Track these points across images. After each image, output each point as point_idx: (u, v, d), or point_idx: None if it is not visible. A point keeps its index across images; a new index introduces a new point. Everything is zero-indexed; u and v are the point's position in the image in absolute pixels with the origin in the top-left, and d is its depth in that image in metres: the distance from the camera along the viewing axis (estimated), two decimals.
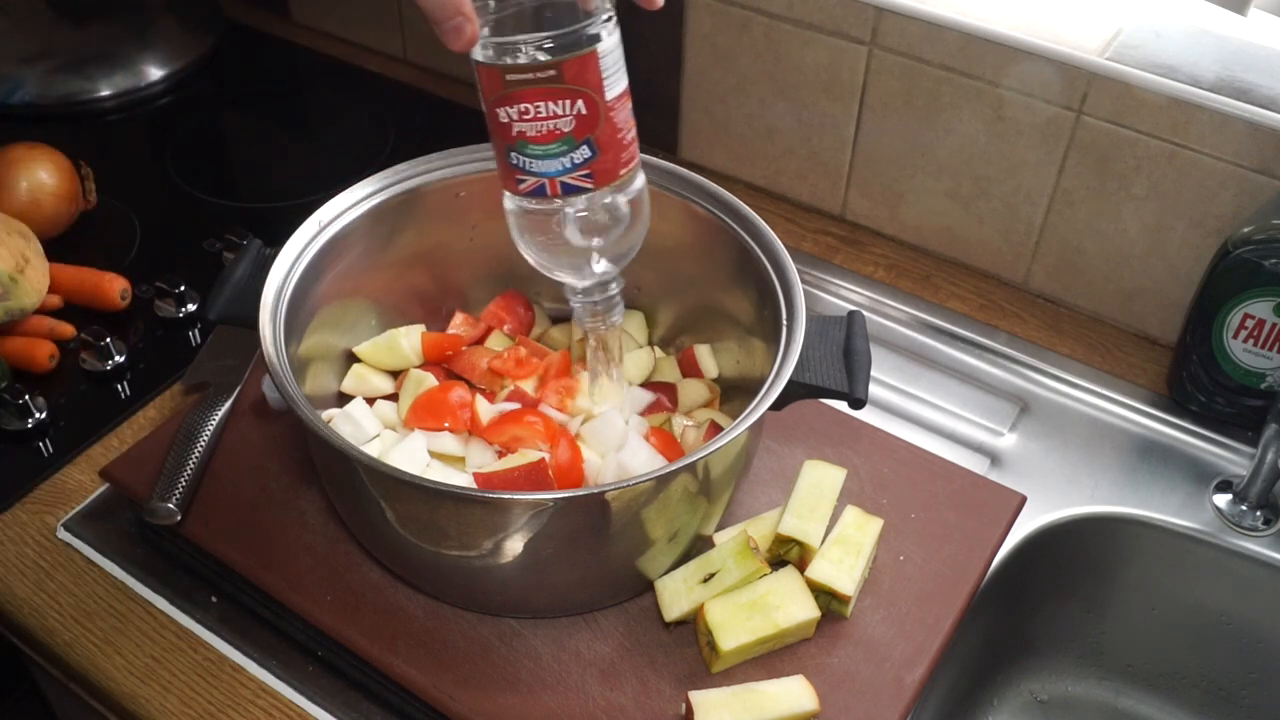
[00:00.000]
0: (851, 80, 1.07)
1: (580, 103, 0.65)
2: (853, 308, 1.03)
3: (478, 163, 0.87)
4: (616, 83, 0.67)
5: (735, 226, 0.84)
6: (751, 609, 0.75)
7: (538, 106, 0.65)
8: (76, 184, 1.13)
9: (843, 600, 0.77)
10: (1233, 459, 0.94)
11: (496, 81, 0.65)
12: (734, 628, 0.74)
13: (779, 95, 1.12)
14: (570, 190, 0.68)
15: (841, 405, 0.80)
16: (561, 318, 0.96)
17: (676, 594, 0.77)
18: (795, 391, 0.74)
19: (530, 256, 0.73)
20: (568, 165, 0.67)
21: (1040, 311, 1.08)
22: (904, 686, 0.75)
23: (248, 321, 0.75)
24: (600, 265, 0.73)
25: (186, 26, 1.43)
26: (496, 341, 0.92)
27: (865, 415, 0.93)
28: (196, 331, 1.04)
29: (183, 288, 1.05)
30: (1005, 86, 0.99)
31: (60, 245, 1.09)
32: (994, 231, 1.08)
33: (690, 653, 0.77)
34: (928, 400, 0.99)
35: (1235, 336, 0.91)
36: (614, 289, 0.75)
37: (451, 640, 0.77)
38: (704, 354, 0.91)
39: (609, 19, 0.65)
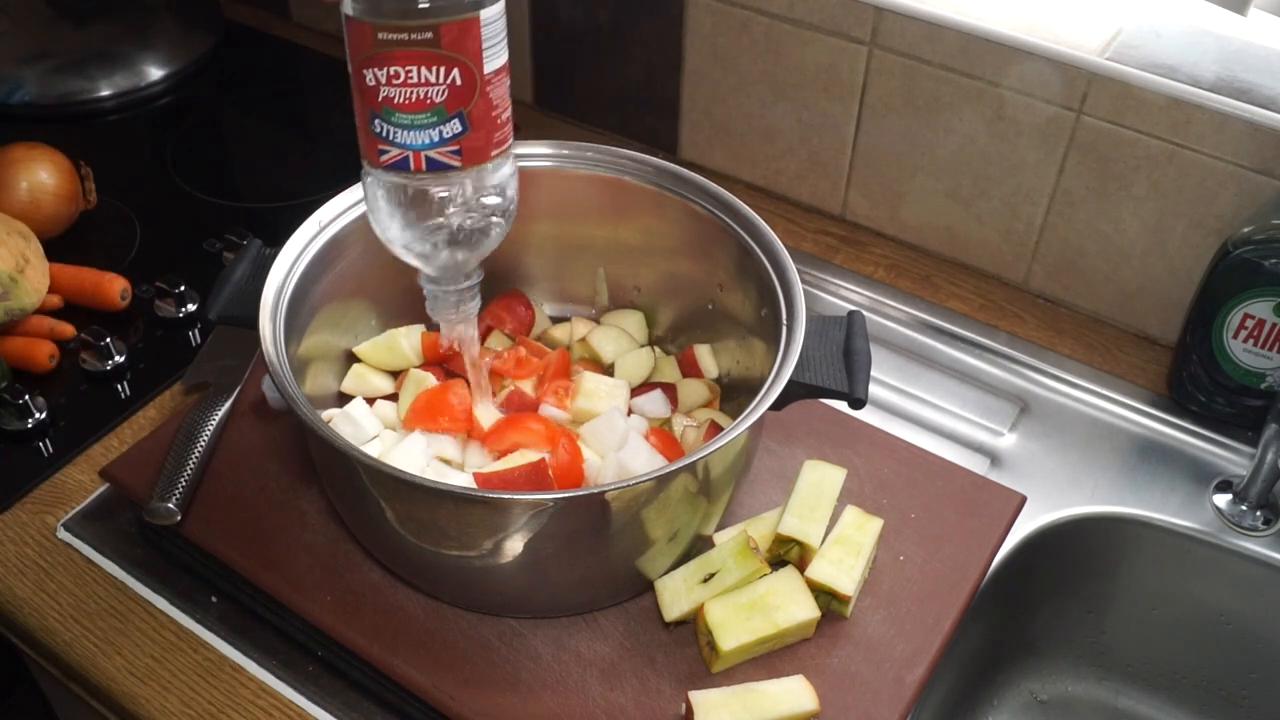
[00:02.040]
0: (851, 80, 1.07)
1: (456, 72, 0.60)
2: (853, 308, 1.03)
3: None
4: (497, 55, 0.62)
5: (735, 226, 0.84)
6: (751, 609, 0.75)
7: (409, 71, 0.60)
8: (76, 184, 1.13)
9: (843, 600, 0.77)
10: (1233, 459, 0.94)
11: (366, 39, 0.60)
12: (734, 628, 0.74)
13: (779, 95, 1.12)
14: (436, 166, 0.63)
15: (841, 405, 0.80)
16: (561, 318, 0.96)
17: (676, 594, 0.77)
18: (795, 391, 0.74)
19: (382, 235, 0.68)
20: (435, 139, 0.62)
21: (1040, 311, 1.08)
22: (904, 686, 0.75)
23: (248, 321, 0.75)
24: (459, 254, 0.68)
25: (186, 26, 1.43)
26: (496, 341, 0.92)
27: (865, 415, 0.93)
28: (196, 331, 1.04)
29: (183, 288, 1.05)
30: (1005, 86, 0.99)
31: (60, 245, 1.09)
32: (994, 231, 1.08)
33: (690, 653, 0.77)
34: (928, 400, 0.99)
35: (1235, 336, 0.91)
36: (471, 280, 0.71)
37: (451, 640, 0.77)
38: (704, 354, 0.91)
39: None
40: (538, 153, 0.89)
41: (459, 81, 0.61)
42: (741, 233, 0.83)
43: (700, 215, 0.86)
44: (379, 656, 0.76)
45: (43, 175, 1.09)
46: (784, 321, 0.77)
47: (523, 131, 1.28)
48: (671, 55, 1.17)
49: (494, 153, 0.65)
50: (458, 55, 0.60)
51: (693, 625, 0.78)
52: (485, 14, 0.60)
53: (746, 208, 0.84)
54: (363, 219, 0.84)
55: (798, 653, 0.77)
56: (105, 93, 1.33)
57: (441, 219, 0.66)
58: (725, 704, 0.72)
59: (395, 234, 0.67)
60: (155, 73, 1.36)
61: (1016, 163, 1.02)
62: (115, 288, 1.04)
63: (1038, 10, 0.99)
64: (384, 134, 0.63)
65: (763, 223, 0.83)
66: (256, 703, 0.77)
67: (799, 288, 0.78)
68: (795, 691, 0.73)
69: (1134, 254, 1.01)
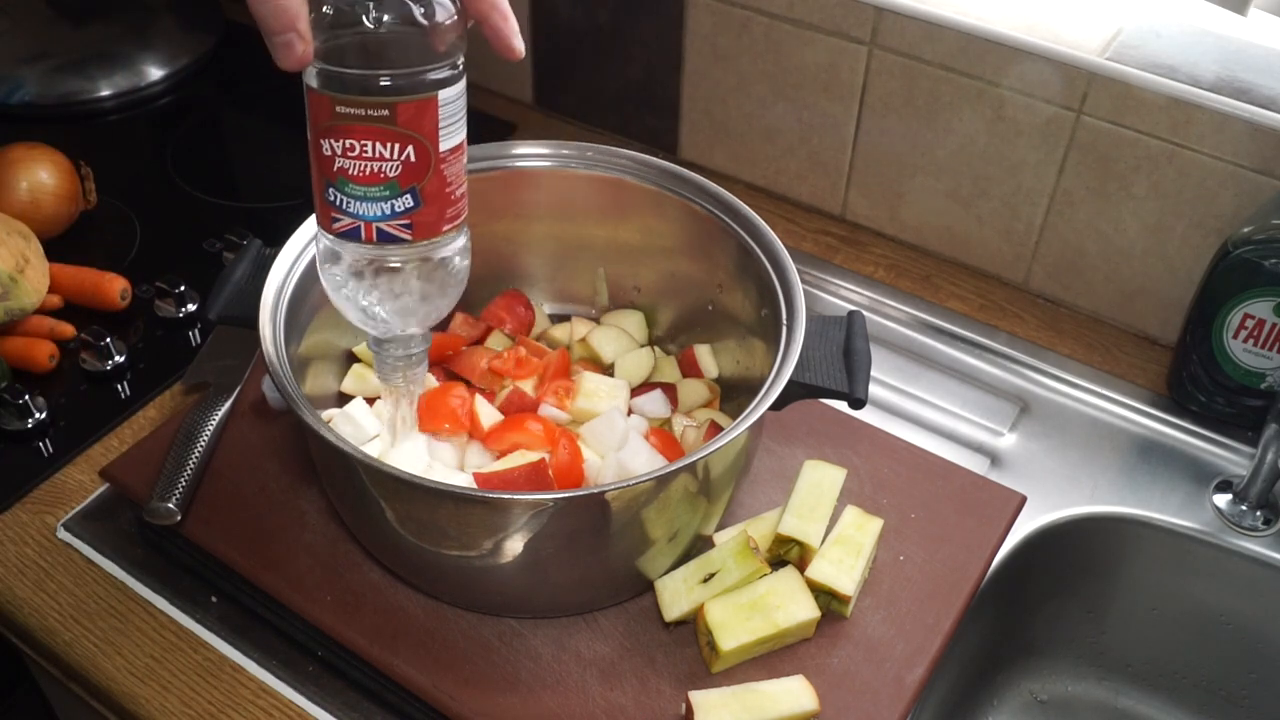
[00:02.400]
0: (851, 80, 1.07)
1: (411, 149, 0.61)
2: (853, 308, 1.03)
3: (477, 163, 0.87)
4: (453, 135, 0.63)
5: (735, 226, 0.84)
6: (751, 609, 0.75)
7: (364, 145, 0.61)
8: (76, 184, 1.13)
9: (843, 600, 0.77)
10: (1233, 459, 0.94)
11: (325, 110, 0.61)
12: (734, 628, 0.74)
13: (779, 95, 1.12)
14: (386, 239, 0.64)
15: (841, 405, 0.80)
16: (561, 317, 0.96)
17: (676, 594, 0.77)
18: (795, 391, 0.74)
19: (332, 295, 0.69)
20: (387, 212, 0.63)
21: (1040, 311, 1.08)
22: (904, 686, 0.75)
23: (248, 321, 0.75)
24: (406, 321, 0.69)
25: (186, 26, 1.43)
26: (496, 341, 0.92)
27: (865, 415, 0.93)
28: (196, 331, 1.04)
29: (183, 288, 1.05)
30: (1005, 86, 0.99)
31: (60, 245, 1.09)
32: (994, 231, 1.08)
33: (690, 653, 0.77)
34: (928, 400, 0.99)
35: (1235, 336, 0.91)
36: (417, 347, 0.71)
37: (451, 640, 0.77)
38: (704, 354, 0.91)
39: (457, 67, 0.62)
40: (538, 153, 0.89)
41: (413, 158, 0.62)
42: (741, 233, 0.83)
43: (700, 215, 0.86)
44: (379, 656, 0.76)
45: (43, 175, 1.09)
46: (784, 321, 0.77)
47: (523, 131, 1.28)
48: (671, 55, 1.17)
49: (445, 228, 0.66)
50: (413, 133, 0.61)
51: (693, 625, 0.78)
52: (443, 95, 0.61)
53: (746, 208, 0.84)
54: None
55: (798, 653, 0.77)
56: (105, 93, 1.33)
57: (389, 287, 0.66)
58: (725, 704, 0.72)
59: (344, 297, 0.68)
60: (155, 73, 1.36)
61: (1016, 163, 1.02)
62: (115, 288, 1.04)
63: (1038, 10, 0.99)
64: (337, 203, 0.63)
65: (763, 223, 0.83)
66: (256, 703, 0.77)
67: (799, 288, 0.78)
68: (795, 691, 0.73)
69: (1134, 254, 1.01)
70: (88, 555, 0.85)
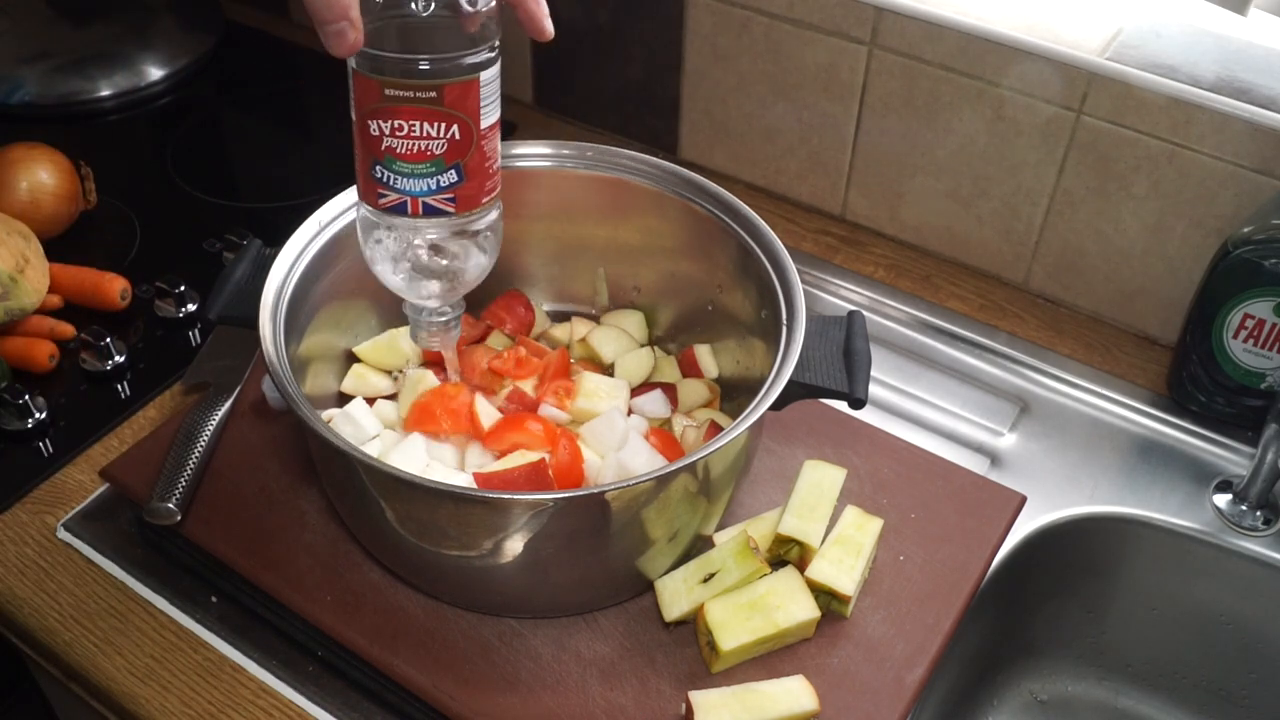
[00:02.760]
0: (851, 80, 1.07)
1: (455, 127, 0.65)
2: (853, 308, 1.03)
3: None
4: (492, 112, 0.67)
5: (735, 226, 0.84)
6: (751, 609, 0.75)
7: (413, 125, 0.64)
8: (76, 184, 1.13)
9: (843, 600, 0.77)
10: (1233, 459, 0.94)
11: (373, 93, 0.64)
12: (734, 628, 0.74)
13: (779, 95, 1.12)
14: (431, 212, 0.68)
15: (841, 405, 0.80)
16: (562, 317, 0.96)
17: (676, 594, 0.77)
18: (795, 391, 0.74)
19: (372, 265, 0.72)
20: (433, 187, 0.67)
21: (1040, 311, 1.08)
22: (904, 686, 0.75)
23: (248, 321, 0.75)
24: (443, 287, 0.72)
25: (186, 26, 1.43)
26: (496, 341, 0.92)
27: (865, 415, 0.93)
28: (196, 331, 1.04)
29: (183, 288, 1.05)
30: (1005, 86, 0.99)
31: (60, 245, 1.09)
32: (994, 231, 1.08)
33: (690, 653, 0.77)
34: (928, 400, 0.99)
35: (1235, 336, 0.91)
36: (454, 311, 0.75)
37: (451, 640, 0.77)
38: (704, 354, 0.91)
39: (494, 49, 0.65)
40: (538, 153, 0.89)
41: (458, 136, 0.65)
42: (741, 233, 0.83)
43: (700, 215, 0.86)
44: (379, 656, 0.76)
45: (43, 175, 1.09)
46: (784, 321, 0.77)
47: (523, 131, 1.28)
48: (671, 55, 1.17)
49: (485, 199, 0.70)
50: (458, 113, 0.65)
51: (693, 625, 0.78)
52: (484, 76, 0.65)
53: (746, 208, 0.84)
54: None
55: (798, 653, 0.77)
56: (105, 93, 1.33)
57: (430, 257, 0.70)
58: (725, 704, 0.72)
59: (385, 267, 0.72)
60: (155, 73, 1.36)
61: (1016, 163, 1.02)
62: (115, 288, 1.04)
63: (1038, 10, 0.99)
64: (385, 179, 0.67)
65: (763, 223, 0.83)
66: (256, 703, 0.77)
67: (799, 288, 0.78)
68: (795, 691, 0.73)
69: (1134, 254, 1.01)
70: (88, 555, 0.85)
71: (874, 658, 0.77)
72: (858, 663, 0.76)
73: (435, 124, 0.65)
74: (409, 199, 0.67)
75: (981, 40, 0.98)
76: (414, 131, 0.64)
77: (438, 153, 0.65)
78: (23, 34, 1.38)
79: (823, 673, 0.76)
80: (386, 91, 0.63)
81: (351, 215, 0.83)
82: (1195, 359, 0.94)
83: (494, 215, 0.71)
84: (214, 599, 0.82)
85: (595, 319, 0.95)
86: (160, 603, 0.82)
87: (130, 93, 1.34)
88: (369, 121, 0.65)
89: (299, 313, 0.79)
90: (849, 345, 0.78)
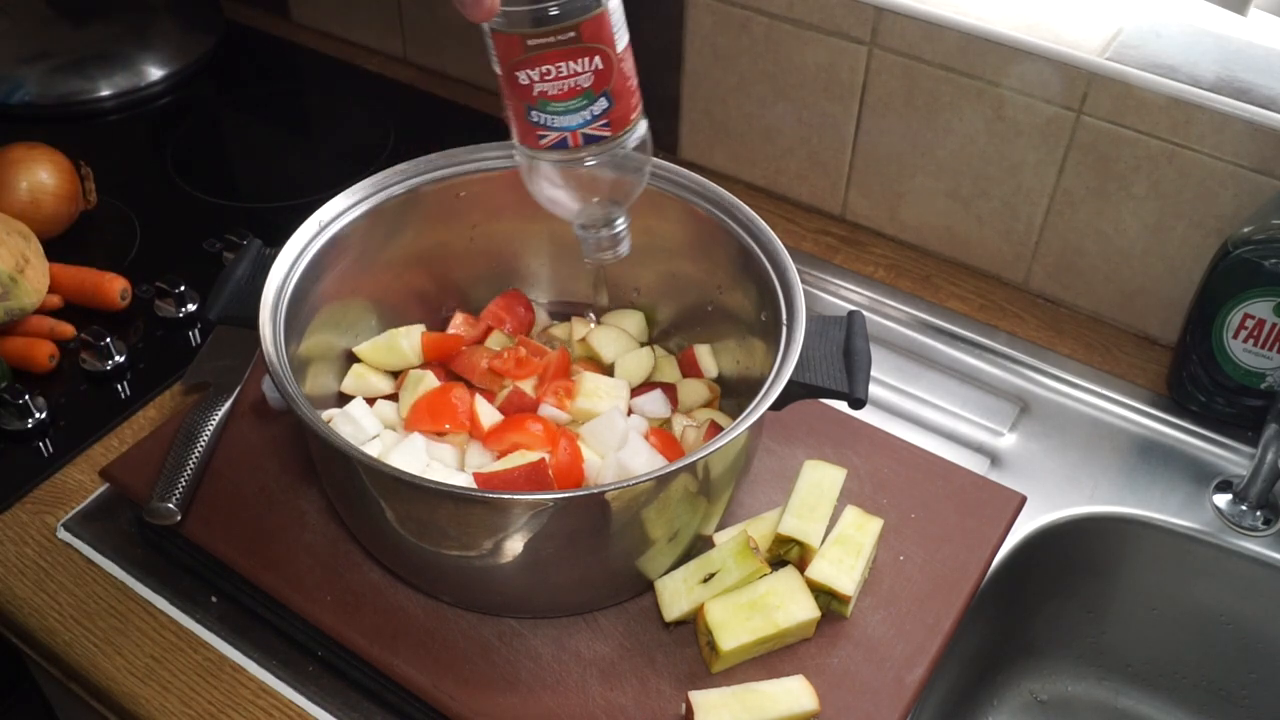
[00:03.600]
0: (851, 80, 1.07)
1: (597, 59, 0.68)
2: (853, 308, 1.03)
3: (478, 163, 0.87)
4: (623, 35, 0.70)
5: (735, 226, 0.84)
6: (751, 609, 0.75)
7: (559, 67, 0.68)
8: (76, 184, 1.13)
9: (843, 600, 0.77)
10: (1233, 459, 0.94)
11: (516, 47, 0.67)
12: (734, 628, 0.74)
13: (779, 95, 1.12)
14: (591, 140, 0.71)
15: (841, 405, 0.80)
16: (562, 317, 0.96)
17: (676, 594, 0.77)
18: (795, 391, 0.74)
19: (545, 202, 0.76)
20: (588, 118, 0.70)
21: (1040, 311, 1.08)
22: (904, 686, 0.75)
23: (248, 321, 0.75)
24: (610, 206, 0.76)
25: (186, 26, 1.43)
26: (496, 341, 0.92)
27: (865, 415, 0.93)
28: (196, 331, 1.04)
29: (183, 288, 1.05)
30: (1005, 86, 0.99)
31: (60, 245, 1.09)
32: (994, 231, 1.08)
33: (690, 653, 0.77)
34: (928, 400, 0.99)
35: (1235, 336, 0.91)
36: (621, 224, 0.78)
37: (451, 640, 0.77)
38: (704, 354, 0.91)
39: None
40: None
41: (600, 66, 0.69)
42: (741, 233, 0.83)
43: (700, 215, 0.86)
44: (379, 656, 0.76)
45: (43, 175, 1.09)
46: (784, 321, 0.77)
47: None
48: (671, 55, 1.17)
49: (633, 116, 0.73)
50: (597, 45, 0.68)
51: (693, 625, 0.78)
52: (611, 4, 0.68)
53: (746, 208, 0.84)
54: (363, 219, 0.84)
55: (798, 653, 0.77)
56: (105, 93, 1.33)
57: (595, 181, 0.74)
58: (725, 704, 0.72)
59: (557, 195, 0.75)
60: (155, 73, 1.36)
61: (1016, 163, 1.02)
62: (115, 288, 1.04)
63: (1038, 10, 0.99)
64: (542, 122, 0.70)
65: (763, 223, 0.83)
66: (256, 703, 0.77)
67: (799, 288, 0.78)
68: (795, 691, 0.73)
69: (1134, 254, 1.01)
70: (88, 555, 0.85)
71: (874, 658, 0.77)
72: (858, 663, 0.76)
73: (579, 59, 0.68)
74: (568, 134, 0.71)
75: (981, 40, 0.98)
76: (561, 72, 0.68)
77: (586, 85, 0.69)
78: (23, 34, 1.38)
79: (823, 673, 0.76)
80: (529, 43, 0.67)
81: (352, 215, 0.83)
82: (1195, 359, 0.94)
83: (643, 127, 0.74)
84: (214, 599, 0.82)
85: (595, 319, 0.95)
86: (160, 603, 0.82)
87: (130, 93, 1.34)
88: (516, 73, 0.68)
89: (299, 313, 0.79)
90: (849, 345, 0.78)
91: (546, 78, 0.68)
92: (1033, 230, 1.05)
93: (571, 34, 0.67)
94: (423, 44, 1.40)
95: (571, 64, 0.68)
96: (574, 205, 0.76)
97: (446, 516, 0.71)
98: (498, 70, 0.69)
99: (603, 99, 0.70)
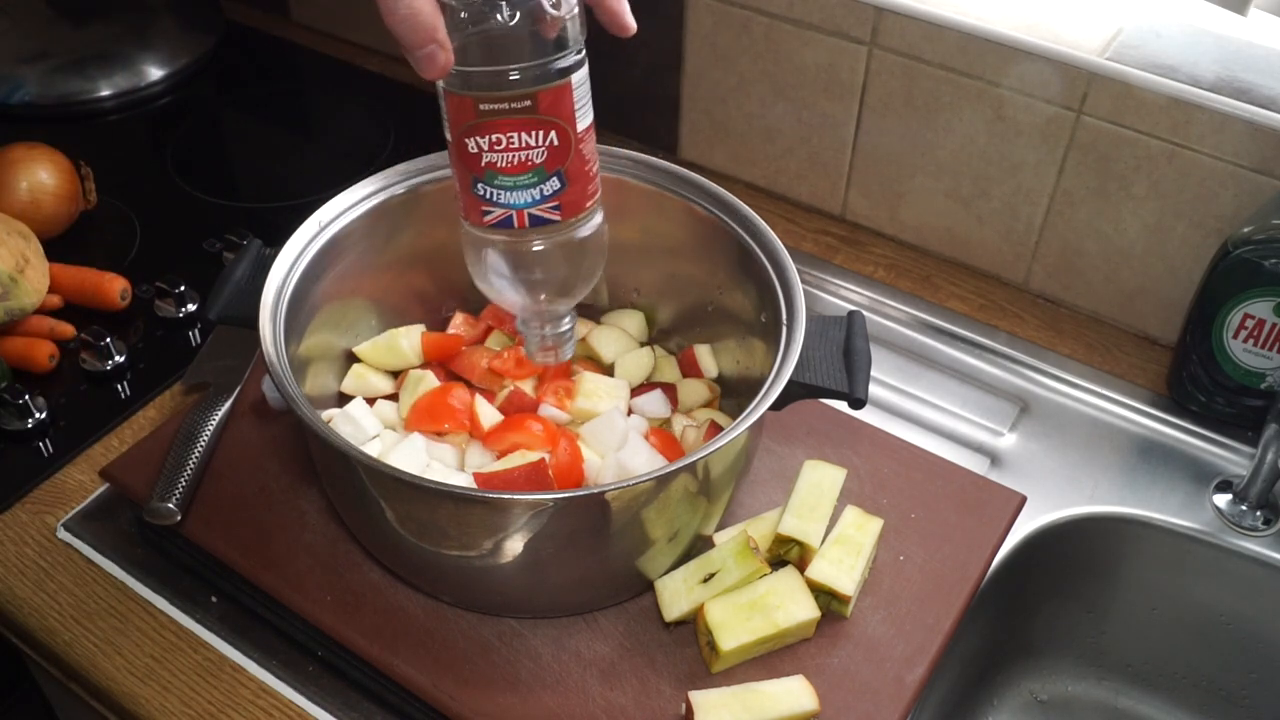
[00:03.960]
0: (851, 80, 1.07)
1: (553, 133, 0.65)
2: (853, 308, 1.03)
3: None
4: (586, 114, 0.66)
5: (735, 226, 0.84)
6: (751, 609, 0.75)
7: (510, 137, 0.64)
8: (76, 184, 1.13)
9: (843, 600, 0.77)
10: (1233, 459, 0.94)
11: (468, 111, 0.64)
12: (734, 628, 0.74)
13: (779, 95, 1.12)
14: (538, 222, 0.67)
15: (841, 405, 0.80)
16: None
17: (676, 594, 0.77)
18: (795, 391, 0.74)
19: (485, 287, 0.72)
20: (537, 197, 0.66)
21: (1040, 311, 1.08)
22: (904, 686, 0.75)
23: (248, 321, 0.75)
24: (559, 302, 0.72)
25: (186, 26, 1.43)
26: (496, 341, 0.92)
27: (865, 415, 0.93)
28: (196, 331, 1.04)
29: (183, 288, 1.05)
30: (1005, 86, 0.99)
31: (60, 245, 1.09)
32: (994, 231, 1.08)
33: (690, 653, 0.77)
34: (928, 400, 0.99)
35: (1235, 336, 0.91)
36: (567, 324, 0.75)
37: (451, 640, 0.77)
38: (704, 354, 0.91)
39: (580, 51, 0.65)
40: None
41: (556, 142, 0.65)
42: (741, 233, 0.83)
43: (700, 215, 0.86)
44: (379, 656, 0.76)
45: (43, 175, 1.09)
46: (784, 321, 0.77)
47: None
48: (671, 55, 1.17)
49: (589, 204, 0.69)
50: (555, 119, 0.64)
51: (693, 625, 0.78)
52: (575, 78, 0.64)
53: (746, 208, 0.84)
54: (363, 219, 0.84)
55: (798, 653, 0.77)
56: (105, 93, 1.33)
57: (539, 269, 0.70)
58: (725, 704, 0.72)
59: (495, 283, 0.71)
60: (155, 73, 1.36)
61: (1016, 163, 1.02)
62: (115, 288, 1.04)
63: (1038, 10, 0.99)
64: (488, 196, 0.66)
65: (763, 223, 0.83)
66: (256, 703, 0.77)
67: (799, 288, 0.78)
68: (795, 691, 0.73)
69: (1134, 254, 1.01)
70: (88, 555, 0.85)
71: (874, 658, 0.77)
72: (858, 663, 0.76)
73: (533, 133, 0.64)
74: (514, 212, 0.67)
75: (981, 40, 0.98)
76: (513, 143, 0.64)
77: (538, 161, 0.65)
78: (23, 34, 1.38)
79: (823, 673, 0.76)
80: (481, 107, 0.63)
81: (352, 215, 0.83)
82: (1195, 359, 0.94)
83: (598, 219, 0.71)
84: (214, 599, 0.82)
85: (595, 319, 0.95)
86: (160, 603, 0.82)
87: (130, 93, 1.34)
88: (466, 140, 0.65)
89: (299, 313, 0.79)
90: (849, 345, 0.78)
91: (496, 147, 0.64)
92: (1033, 230, 1.05)
93: (528, 102, 0.63)
94: None
95: (525, 135, 0.64)
96: (517, 298, 0.71)
97: (446, 516, 0.71)
98: (448, 135, 0.66)
99: (555, 179, 0.66)
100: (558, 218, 0.68)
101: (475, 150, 0.65)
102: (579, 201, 0.68)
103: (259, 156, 1.32)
